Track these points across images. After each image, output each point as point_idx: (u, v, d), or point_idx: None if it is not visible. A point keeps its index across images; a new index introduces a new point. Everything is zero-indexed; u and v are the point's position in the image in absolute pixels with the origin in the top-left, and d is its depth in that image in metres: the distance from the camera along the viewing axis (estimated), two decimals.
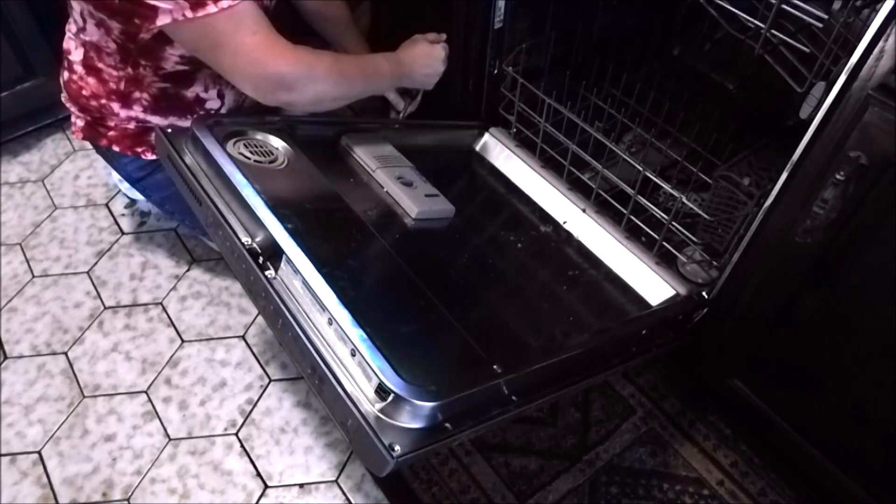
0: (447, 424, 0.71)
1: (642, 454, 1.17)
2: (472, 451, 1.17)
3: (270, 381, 1.27)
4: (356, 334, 0.72)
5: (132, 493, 1.13)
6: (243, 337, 1.33)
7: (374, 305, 0.86)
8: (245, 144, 1.00)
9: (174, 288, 1.40)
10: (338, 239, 0.95)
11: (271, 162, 1.00)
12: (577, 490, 1.13)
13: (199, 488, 1.14)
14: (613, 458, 1.16)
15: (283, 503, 1.12)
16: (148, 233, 1.49)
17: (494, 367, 0.78)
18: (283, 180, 0.99)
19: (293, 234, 0.81)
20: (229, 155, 0.92)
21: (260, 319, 1.34)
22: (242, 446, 1.19)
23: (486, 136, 1.30)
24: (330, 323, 0.75)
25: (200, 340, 1.32)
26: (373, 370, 0.70)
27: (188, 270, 1.43)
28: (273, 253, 0.81)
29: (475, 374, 0.77)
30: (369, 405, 0.70)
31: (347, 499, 1.13)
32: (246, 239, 0.83)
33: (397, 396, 0.68)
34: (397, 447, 0.67)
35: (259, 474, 1.15)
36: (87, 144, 1.24)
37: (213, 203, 0.86)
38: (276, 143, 1.04)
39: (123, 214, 1.52)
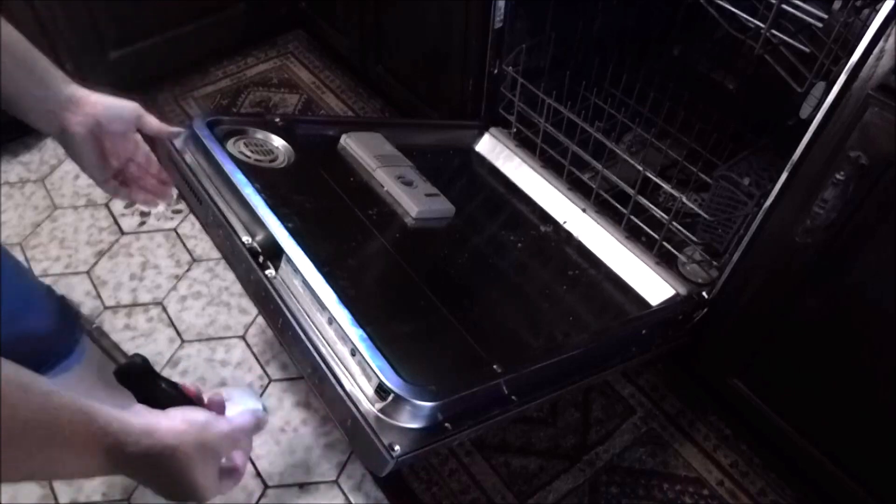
0: (447, 424, 0.71)
1: (642, 454, 1.17)
2: (472, 451, 1.17)
3: (270, 381, 1.27)
4: (356, 334, 0.72)
5: (132, 494, 1.13)
6: (243, 337, 1.33)
7: (374, 305, 0.86)
8: (245, 143, 1.00)
9: (174, 288, 1.40)
10: (338, 238, 0.95)
11: (272, 161, 1.00)
12: (577, 490, 1.13)
13: None
14: (613, 458, 1.16)
15: (283, 503, 1.12)
16: (148, 233, 1.49)
17: (494, 367, 0.78)
18: (284, 179, 0.99)
19: (293, 233, 0.81)
20: (229, 154, 0.92)
21: (260, 319, 1.34)
22: None
23: (486, 136, 1.30)
24: (330, 322, 0.75)
25: (200, 340, 1.32)
26: (373, 370, 0.70)
27: (188, 270, 1.42)
28: (273, 252, 0.81)
29: (475, 374, 0.77)
30: (369, 405, 0.70)
31: (347, 499, 1.13)
32: (246, 238, 0.83)
33: (397, 396, 0.68)
34: (397, 447, 0.67)
35: (259, 474, 1.15)
36: None
37: (213, 202, 0.86)
38: (277, 142, 1.04)
39: (123, 214, 1.52)
